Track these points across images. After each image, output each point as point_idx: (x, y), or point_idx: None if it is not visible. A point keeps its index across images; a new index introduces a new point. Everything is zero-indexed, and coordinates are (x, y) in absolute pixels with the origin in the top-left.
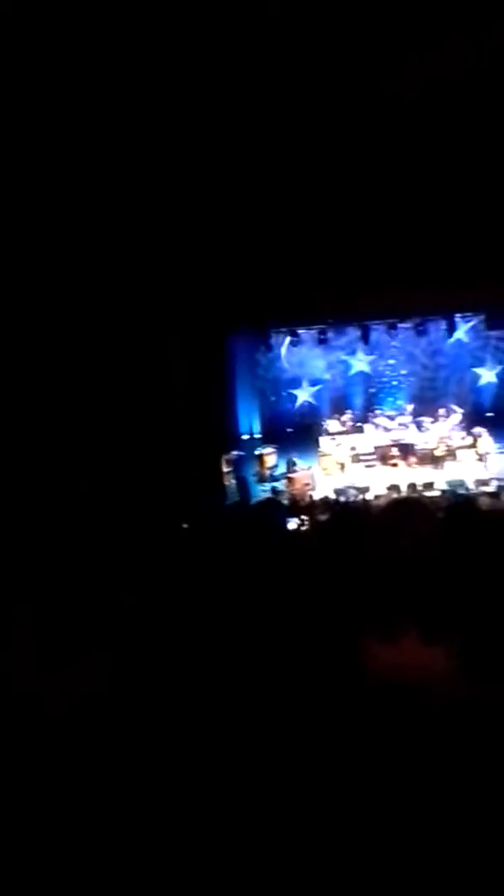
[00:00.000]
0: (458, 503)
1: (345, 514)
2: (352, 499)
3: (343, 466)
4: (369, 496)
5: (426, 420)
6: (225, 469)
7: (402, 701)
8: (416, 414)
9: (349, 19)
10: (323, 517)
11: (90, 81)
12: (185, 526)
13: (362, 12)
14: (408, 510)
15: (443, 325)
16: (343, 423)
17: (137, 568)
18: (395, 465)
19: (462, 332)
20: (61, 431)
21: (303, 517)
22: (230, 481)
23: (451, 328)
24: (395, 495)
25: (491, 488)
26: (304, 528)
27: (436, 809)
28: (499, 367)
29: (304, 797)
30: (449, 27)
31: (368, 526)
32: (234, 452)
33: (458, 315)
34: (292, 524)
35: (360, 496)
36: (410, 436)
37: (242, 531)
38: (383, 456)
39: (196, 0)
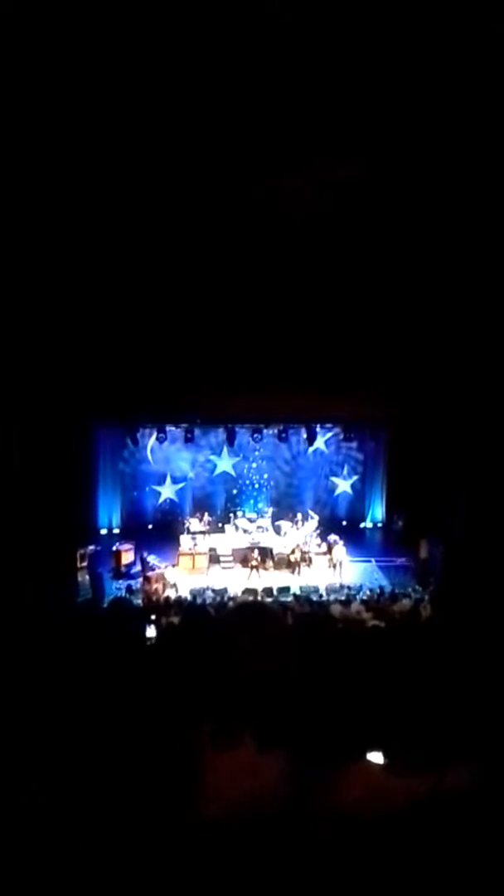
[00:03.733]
0: (307, 614)
1: (194, 618)
2: (209, 600)
3: (201, 567)
4: (226, 598)
5: (284, 524)
6: (79, 563)
7: (234, 809)
8: (275, 517)
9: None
10: (174, 619)
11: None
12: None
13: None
14: (255, 616)
15: (304, 433)
16: (204, 523)
17: None
18: (254, 567)
19: (321, 441)
20: None
21: (156, 620)
22: (84, 577)
23: (312, 437)
24: (250, 598)
25: (342, 596)
26: (157, 627)
27: None
28: (354, 478)
29: None
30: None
31: (216, 631)
32: (91, 546)
33: (318, 425)
34: (150, 631)
35: (218, 598)
36: (269, 539)
37: (91, 632)
38: (243, 558)
39: None
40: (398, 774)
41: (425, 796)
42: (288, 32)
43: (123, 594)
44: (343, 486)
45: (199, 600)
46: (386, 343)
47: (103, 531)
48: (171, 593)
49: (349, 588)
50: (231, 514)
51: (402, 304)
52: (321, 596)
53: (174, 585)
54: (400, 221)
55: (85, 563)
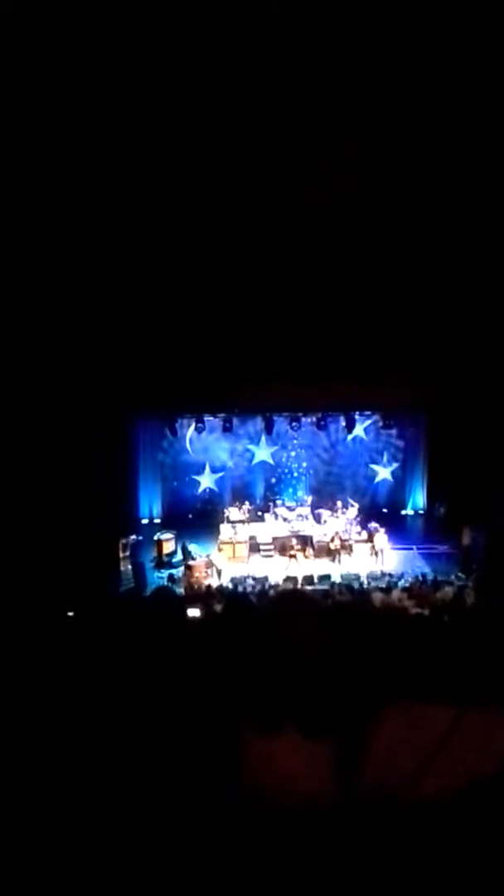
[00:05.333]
0: (348, 601)
1: (237, 605)
2: (249, 588)
3: (242, 555)
4: (267, 586)
5: (324, 513)
6: (122, 553)
7: (277, 796)
8: (314, 506)
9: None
10: (218, 607)
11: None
12: (70, 613)
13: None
14: (294, 604)
15: (342, 421)
16: (243, 512)
17: (17, 653)
18: (293, 556)
19: (360, 429)
20: None
21: (200, 606)
22: (126, 566)
23: (350, 425)
24: (291, 586)
25: (383, 584)
26: (199, 618)
27: None
28: (394, 465)
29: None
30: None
31: (257, 619)
32: (132, 536)
33: (357, 413)
34: (194, 612)
35: (258, 586)
36: (308, 528)
37: (135, 619)
38: (283, 546)
39: None
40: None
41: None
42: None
43: (165, 583)
44: (383, 473)
45: (240, 589)
46: (424, 327)
47: (144, 521)
48: (212, 582)
49: (390, 576)
50: (270, 503)
51: (440, 287)
52: (362, 584)
53: (218, 572)
54: (435, 203)
55: (127, 553)
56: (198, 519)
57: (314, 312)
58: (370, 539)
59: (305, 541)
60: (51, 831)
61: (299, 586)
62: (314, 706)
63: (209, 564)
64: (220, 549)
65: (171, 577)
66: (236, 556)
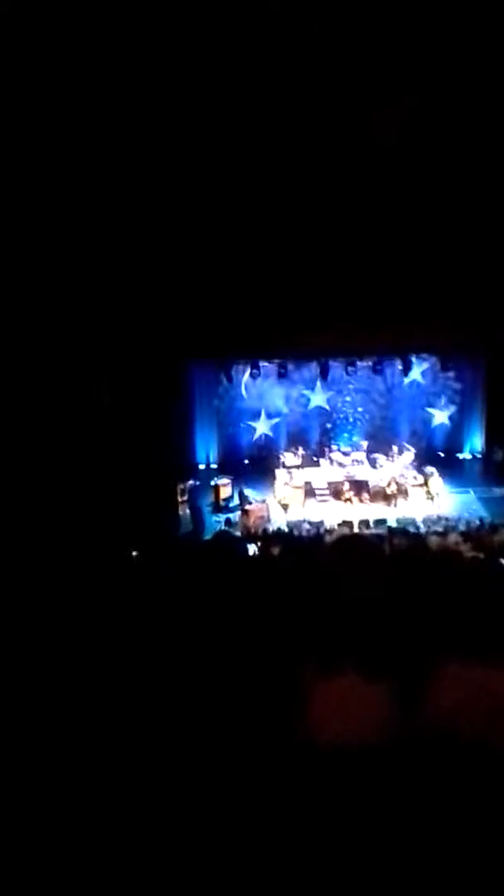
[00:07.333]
0: (406, 545)
1: (295, 549)
2: (305, 533)
3: (297, 500)
4: (322, 530)
5: (380, 457)
6: (180, 498)
7: (340, 736)
8: (370, 451)
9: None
10: (275, 550)
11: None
12: (134, 553)
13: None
14: (354, 548)
15: (399, 365)
16: (299, 457)
17: (86, 591)
18: (348, 500)
19: (417, 372)
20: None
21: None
22: (185, 510)
23: (407, 368)
24: (347, 530)
25: (439, 528)
26: (258, 558)
27: (371, 847)
28: (452, 409)
29: (247, 829)
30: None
31: (316, 562)
32: (190, 481)
33: (413, 356)
34: (251, 549)
35: (314, 530)
36: (364, 472)
37: (197, 562)
38: (337, 491)
39: None
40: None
41: None
42: None
43: (223, 527)
44: (440, 417)
45: (296, 533)
46: (480, 268)
47: (201, 466)
48: (269, 526)
49: (447, 520)
50: (326, 448)
51: (496, 225)
52: (418, 528)
53: (285, 507)
54: (491, 146)
55: (185, 498)
56: (253, 464)
57: (370, 254)
58: (426, 483)
59: (361, 485)
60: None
61: (355, 530)
62: (373, 648)
63: (263, 509)
64: (276, 494)
65: (227, 522)
66: (293, 501)
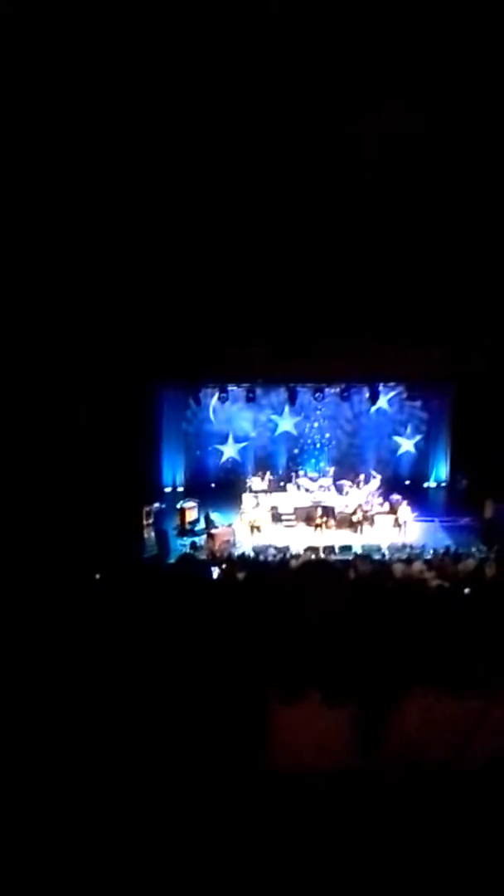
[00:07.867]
0: (368, 572)
1: (259, 573)
2: (270, 558)
3: (261, 526)
4: (288, 555)
5: (346, 484)
6: (145, 521)
7: (303, 759)
8: (336, 477)
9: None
10: (240, 575)
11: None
12: (97, 576)
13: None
14: (318, 573)
15: (366, 392)
16: (266, 482)
17: (48, 613)
18: (319, 526)
19: (384, 401)
20: None
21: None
22: (150, 533)
23: (374, 396)
24: (312, 556)
25: (404, 555)
26: (222, 582)
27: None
28: (418, 437)
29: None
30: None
31: (281, 587)
32: (156, 504)
33: (381, 384)
34: (215, 573)
35: (280, 555)
36: (331, 499)
37: (159, 584)
38: (308, 516)
39: None
40: (453, 695)
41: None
42: None
43: (188, 550)
44: (406, 445)
45: (261, 557)
46: (449, 300)
47: (168, 489)
48: (234, 551)
49: (412, 547)
50: (293, 474)
51: (470, 260)
52: (383, 555)
53: (237, 543)
54: (470, 175)
55: (151, 521)
56: (220, 488)
57: (342, 283)
58: (392, 511)
59: (327, 511)
60: (73, 795)
61: (321, 556)
62: (336, 674)
63: (228, 534)
64: (241, 519)
65: (193, 545)
66: (258, 526)
